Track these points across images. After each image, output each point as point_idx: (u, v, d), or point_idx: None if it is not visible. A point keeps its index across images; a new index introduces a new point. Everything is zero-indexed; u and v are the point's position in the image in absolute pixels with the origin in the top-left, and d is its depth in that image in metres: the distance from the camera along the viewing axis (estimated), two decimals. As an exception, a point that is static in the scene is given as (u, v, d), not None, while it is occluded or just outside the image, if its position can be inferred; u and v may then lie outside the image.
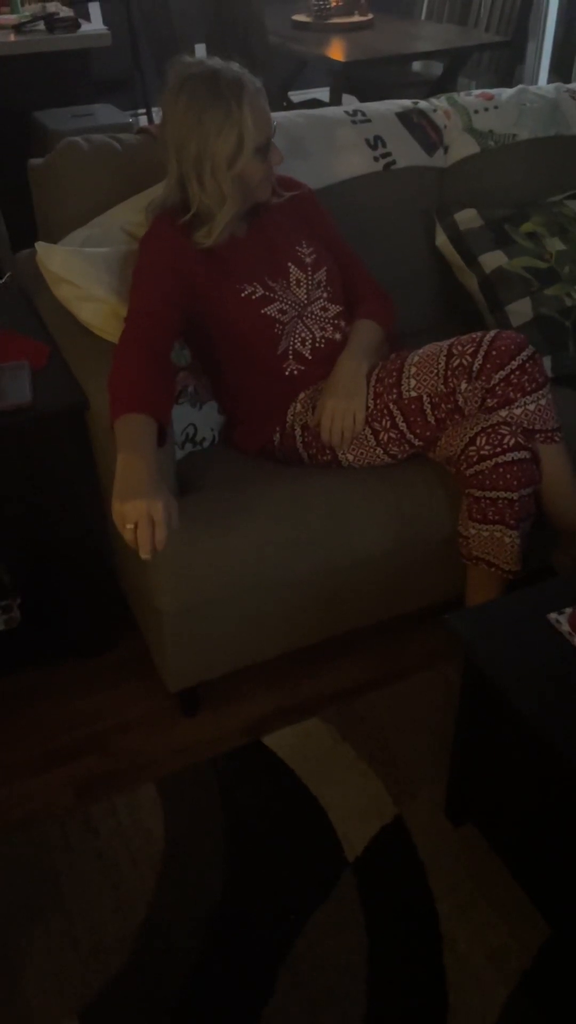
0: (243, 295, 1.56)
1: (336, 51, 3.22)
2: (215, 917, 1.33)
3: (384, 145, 1.90)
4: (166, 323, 1.48)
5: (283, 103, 3.73)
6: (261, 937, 1.30)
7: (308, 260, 1.65)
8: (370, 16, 3.49)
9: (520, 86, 2.09)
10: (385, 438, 1.58)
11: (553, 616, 1.23)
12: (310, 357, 1.63)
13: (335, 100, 3.38)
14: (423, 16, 3.84)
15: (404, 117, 1.94)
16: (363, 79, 3.45)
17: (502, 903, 1.33)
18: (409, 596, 1.72)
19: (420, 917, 1.32)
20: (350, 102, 3.01)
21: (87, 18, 3.57)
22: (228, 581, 1.48)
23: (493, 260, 1.88)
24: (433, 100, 2.02)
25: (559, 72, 4.22)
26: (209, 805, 1.48)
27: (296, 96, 3.98)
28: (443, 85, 3.40)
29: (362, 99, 3.29)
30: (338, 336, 1.65)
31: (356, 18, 3.47)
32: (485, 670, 1.19)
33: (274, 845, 1.42)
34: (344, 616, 1.67)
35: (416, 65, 3.95)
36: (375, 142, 1.89)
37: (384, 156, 1.90)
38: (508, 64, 3.54)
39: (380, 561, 1.60)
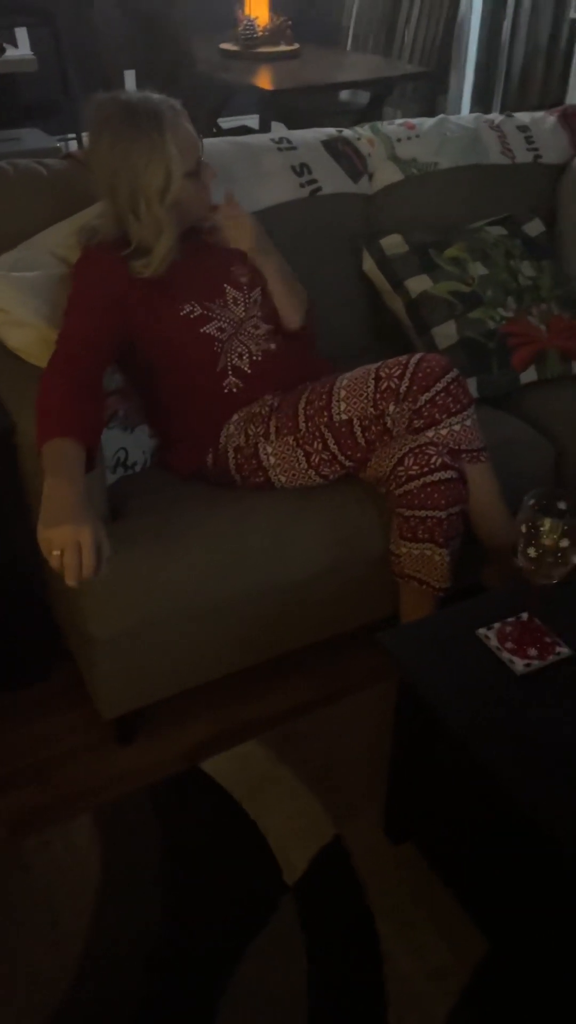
0: (182, 314, 1.57)
1: (264, 80, 3.27)
2: (154, 948, 1.30)
3: (310, 172, 1.93)
4: (98, 348, 1.48)
5: (212, 129, 3.76)
6: (201, 966, 1.28)
7: (243, 280, 1.67)
8: (296, 46, 3.56)
9: (441, 116, 2.16)
10: (317, 460, 1.59)
11: (482, 631, 1.26)
12: (249, 371, 1.64)
13: (264, 127, 3.43)
14: (349, 47, 3.93)
15: (329, 145, 1.98)
16: (292, 107, 3.51)
17: (442, 920, 1.33)
18: (347, 615, 1.73)
19: (360, 938, 1.31)
20: (279, 129, 3.06)
21: (14, 43, 3.55)
22: (162, 606, 1.47)
23: (419, 284, 1.93)
24: (357, 129, 2.06)
25: (480, 102, 4.36)
26: (147, 834, 1.46)
27: (226, 122, 4.03)
28: (369, 114, 3.48)
29: (291, 126, 3.35)
30: (272, 346, 1.67)
31: (283, 48, 3.53)
32: (416, 687, 1.21)
33: (213, 872, 1.41)
34: (282, 638, 1.68)
35: (343, 94, 4.04)
36: (301, 169, 1.92)
37: (310, 183, 1.93)
38: (431, 94, 3.65)
39: (316, 581, 1.61)
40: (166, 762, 1.60)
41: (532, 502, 1.14)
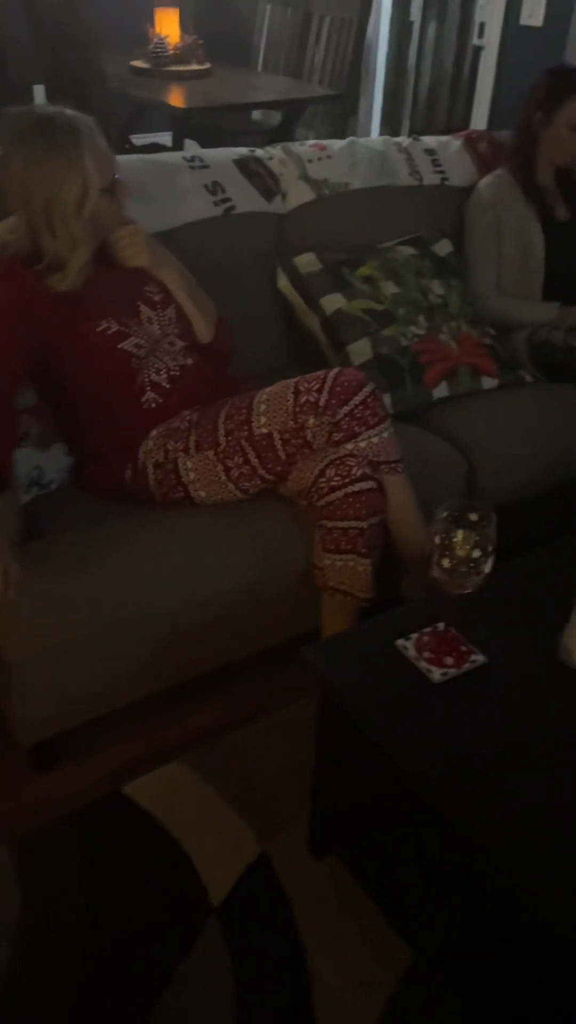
0: (98, 330, 1.55)
1: (176, 98, 3.28)
2: (79, 981, 1.27)
3: (223, 191, 1.94)
4: (9, 368, 1.46)
5: (124, 146, 3.75)
6: (128, 995, 1.25)
7: (156, 298, 1.66)
8: (208, 65, 3.58)
9: (351, 138, 2.21)
10: (237, 474, 1.59)
11: (401, 642, 1.28)
12: (168, 386, 1.63)
13: (178, 145, 3.44)
14: (260, 67, 3.98)
15: (241, 164, 2.00)
16: (205, 125, 3.52)
17: (367, 931, 1.34)
18: (272, 630, 1.73)
19: (287, 954, 1.31)
20: (192, 147, 3.07)
21: None
22: (79, 626, 1.44)
23: (333, 302, 1.96)
24: (269, 149, 2.09)
25: (389, 124, 4.47)
26: (68, 863, 1.42)
27: (139, 139, 4.02)
28: (281, 134, 3.52)
29: (204, 145, 3.36)
30: (190, 361, 1.67)
31: (194, 66, 3.55)
32: (337, 699, 1.22)
33: (137, 899, 1.38)
34: (206, 655, 1.66)
35: (256, 114, 4.08)
36: (214, 188, 1.93)
37: (224, 201, 1.94)
38: (342, 116, 3.72)
39: (239, 597, 1.60)
40: (89, 788, 1.56)
41: (445, 514, 1.16)
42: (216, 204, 1.93)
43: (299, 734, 1.65)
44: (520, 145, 2.17)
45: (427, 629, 1.29)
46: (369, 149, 2.17)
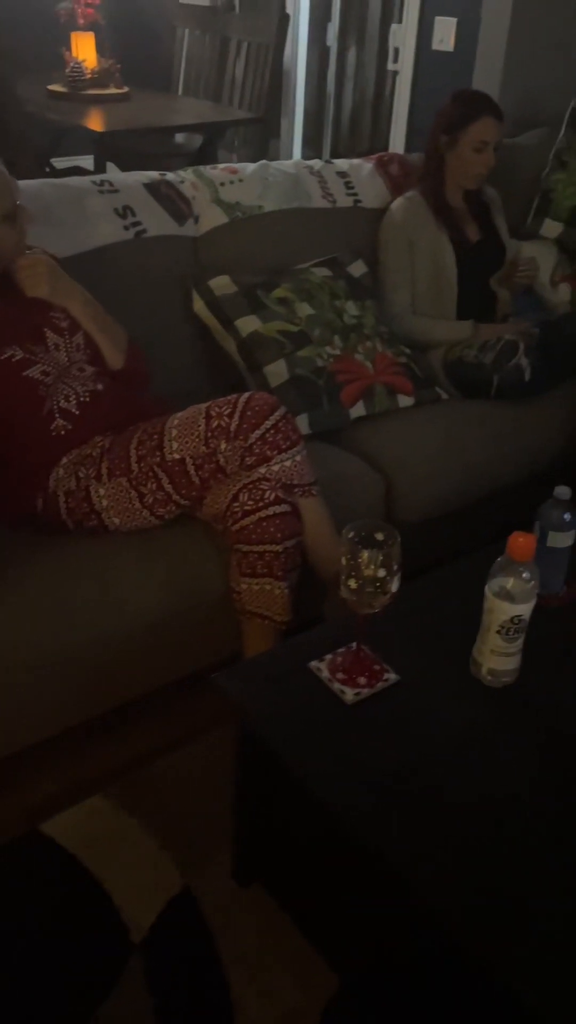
0: (2, 358, 1.52)
1: (94, 121, 3.27)
2: (-8, 1032, 1.22)
3: (134, 215, 1.94)
4: None
5: (45, 170, 3.72)
6: (44, 1044, 1.21)
7: (63, 324, 1.64)
8: (126, 89, 3.58)
9: (262, 161, 2.22)
10: (151, 500, 1.58)
11: (314, 664, 1.27)
12: (77, 412, 1.61)
13: (100, 168, 3.42)
14: (180, 91, 4.00)
15: (152, 188, 1.99)
16: (127, 149, 3.52)
17: (291, 960, 1.32)
18: (190, 658, 1.71)
19: (211, 989, 1.28)
20: (113, 170, 3.05)
21: None
22: (-12, 662, 1.40)
23: (248, 324, 1.96)
24: (180, 172, 2.09)
25: (311, 146, 4.53)
26: (-17, 907, 1.38)
27: (60, 163, 3.99)
28: (202, 157, 3.54)
29: (125, 168, 3.35)
30: (100, 387, 1.65)
31: (112, 90, 3.55)
32: (252, 725, 1.21)
33: (55, 941, 1.34)
34: (123, 686, 1.63)
35: (179, 137, 4.10)
36: (124, 211, 1.92)
37: (134, 225, 1.93)
38: (263, 139, 3.76)
39: (155, 625, 1.58)
40: (4, 827, 1.51)
41: (351, 535, 1.17)
42: (127, 228, 1.92)
43: (223, 761, 1.62)
44: (428, 167, 2.22)
45: (340, 650, 1.29)
46: (281, 172, 2.19)
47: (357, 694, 1.22)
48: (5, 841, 1.48)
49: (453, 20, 3.17)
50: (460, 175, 2.19)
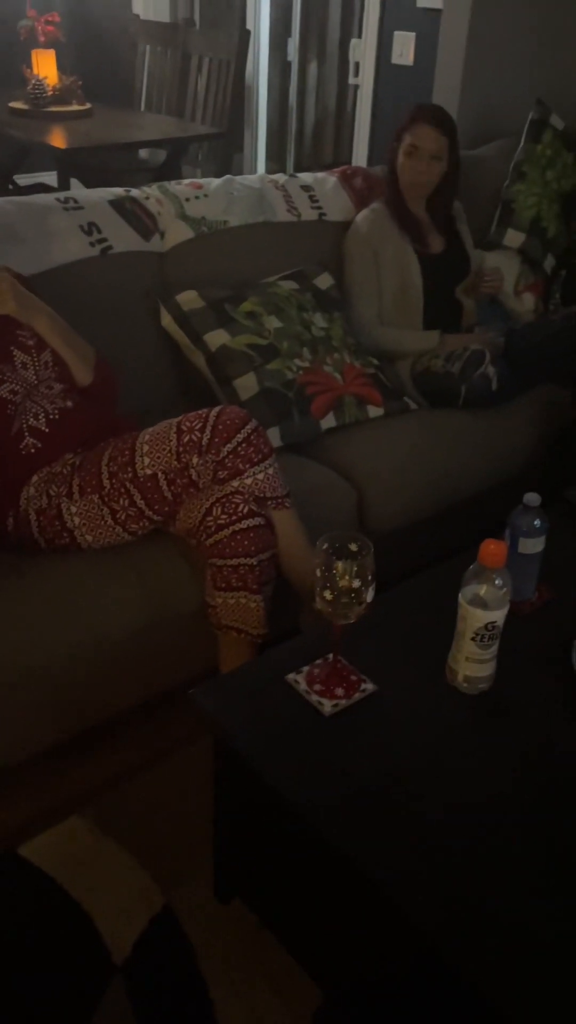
0: None
1: (57, 139, 3.26)
2: (-28, 1062, 1.20)
3: (99, 231, 1.93)
4: None
5: (8, 187, 3.71)
6: (26, 1072, 1.19)
7: (31, 343, 1.63)
8: (88, 106, 3.58)
9: (227, 176, 2.23)
10: (123, 516, 1.57)
11: (291, 676, 1.27)
12: (47, 430, 1.60)
13: (63, 185, 3.42)
14: (143, 108, 4.01)
15: (117, 204, 1.99)
16: (91, 165, 3.52)
17: (275, 976, 1.31)
18: (166, 674, 1.70)
19: (194, 1009, 1.27)
20: (77, 187, 3.05)
21: None
22: (-39, 685, 1.38)
23: (217, 338, 1.96)
24: (145, 188, 2.09)
25: (275, 159, 4.56)
26: (-39, 935, 1.35)
27: (24, 180, 3.98)
28: (166, 172, 3.55)
29: (89, 185, 3.35)
30: (70, 404, 1.64)
31: (74, 107, 3.54)
32: (229, 740, 1.20)
33: (36, 965, 1.32)
34: (98, 705, 1.62)
35: (143, 153, 4.10)
36: (89, 228, 1.92)
37: (100, 242, 1.93)
38: (226, 153, 3.77)
39: (130, 642, 1.57)
40: (-20, 852, 1.49)
41: (325, 546, 1.17)
42: (92, 244, 1.92)
43: (201, 778, 1.61)
44: (388, 179, 2.24)
45: (317, 661, 1.29)
46: (246, 187, 2.20)
47: (335, 705, 1.22)
48: (-18, 866, 1.46)
49: (412, 35, 3.22)
50: (403, 184, 2.22)
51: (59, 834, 1.51)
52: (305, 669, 1.28)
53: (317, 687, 1.25)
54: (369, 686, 1.26)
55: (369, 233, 2.22)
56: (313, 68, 4.58)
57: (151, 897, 1.42)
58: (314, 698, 1.23)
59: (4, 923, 1.38)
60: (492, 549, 1.17)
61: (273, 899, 1.35)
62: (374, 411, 2.04)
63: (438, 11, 2.91)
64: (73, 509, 1.57)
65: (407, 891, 1.00)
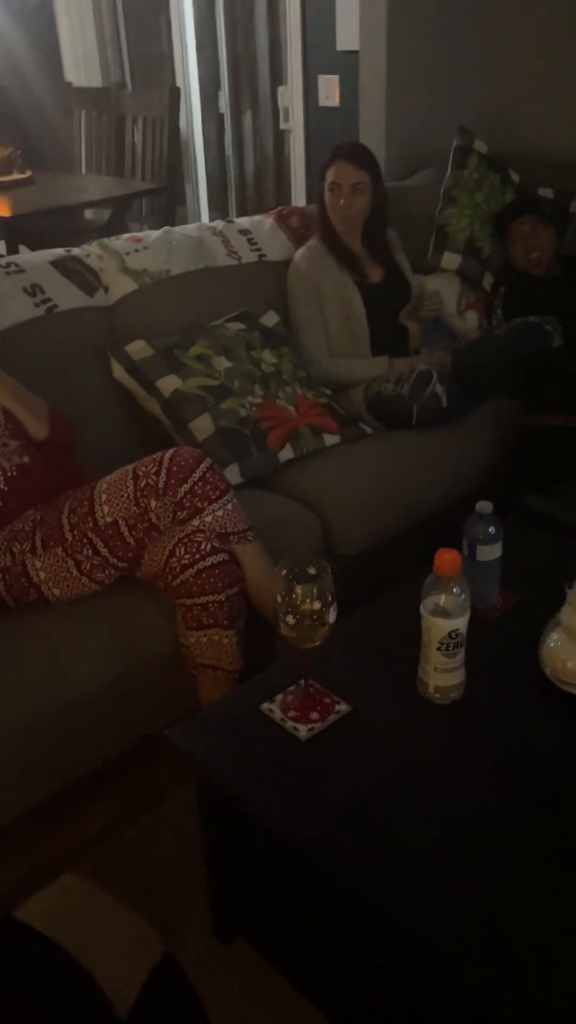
0: None
1: (1, 207, 3.33)
2: None
3: (43, 292, 1.97)
4: None
5: (-43, 258, 3.75)
6: None
7: (-18, 403, 1.65)
8: (29, 173, 3.66)
9: (165, 228, 2.29)
10: (88, 566, 1.58)
11: (266, 705, 1.28)
12: (6, 488, 1.62)
13: (12, 252, 3.48)
14: (83, 170, 4.10)
15: (59, 264, 2.04)
16: (37, 230, 3.58)
17: (283, 1012, 1.30)
18: (149, 717, 1.69)
19: (204, 1054, 1.26)
20: (25, 252, 3.09)
21: None
22: None
23: (169, 384, 2.00)
24: (85, 247, 2.14)
25: (217, 208, 4.66)
26: (-40, 1006, 1.33)
27: (-29, 250, 4.03)
28: (112, 229, 3.62)
29: (37, 248, 3.41)
30: (26, 459, 1.66)
31: (15, 176, 3.62)
32: (209, 776, 1.21)
33: (39, 1028, 1.30)
34: (80, 758, 1.60)
35: (88, 213, 4.19)
36: (33, 290, 1.96)
37: (44, 302, 1.97)
38: (169, 206, 3.86)
39: (107, 693, 1.56)
40: (-25, 919, 1.47)
41: (284, 572, 1.19)
42: (37, 305, 1.95)
43: (190, 821, 1.60)
44: (320, 217, 2.31)
45: (290, 688, 1.30)
46: (184, 236, 2.25)
47: (311, 729, 1.23)
48: (-23, 934, 1.44)
49: (335, 77, 3.33)
50: (333, 220, 2.28)
51: (53, 892, 1.50)
52: (279, 697, 1.29)
53: (292, 713, 1.26)
54: (343, 707, 1.27)
55: (309, 270, 2.28)
56: (247, 118, 4.71)
57: (151, 946, 1.41)
58: (289, 724, 1.24)
59: (5, 990, 1.35)
60: (446, 559, 1.19)
61: (274, 934, 1.35)
62: (330, 439, 2.08)
63: (357, 52, 3.01)
64: (38, 564, 1.58)
65: (401, 910, 0.99)
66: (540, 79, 2.84)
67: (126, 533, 1.57)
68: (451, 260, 2.60)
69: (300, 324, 2.28)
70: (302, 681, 1.29)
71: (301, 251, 2.32)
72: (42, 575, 1.58)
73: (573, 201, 2.67)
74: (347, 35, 3.17)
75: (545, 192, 2.70)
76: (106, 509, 1.57)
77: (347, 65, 3.20)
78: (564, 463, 1.98)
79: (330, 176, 2.23)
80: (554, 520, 1.68)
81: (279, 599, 1.18)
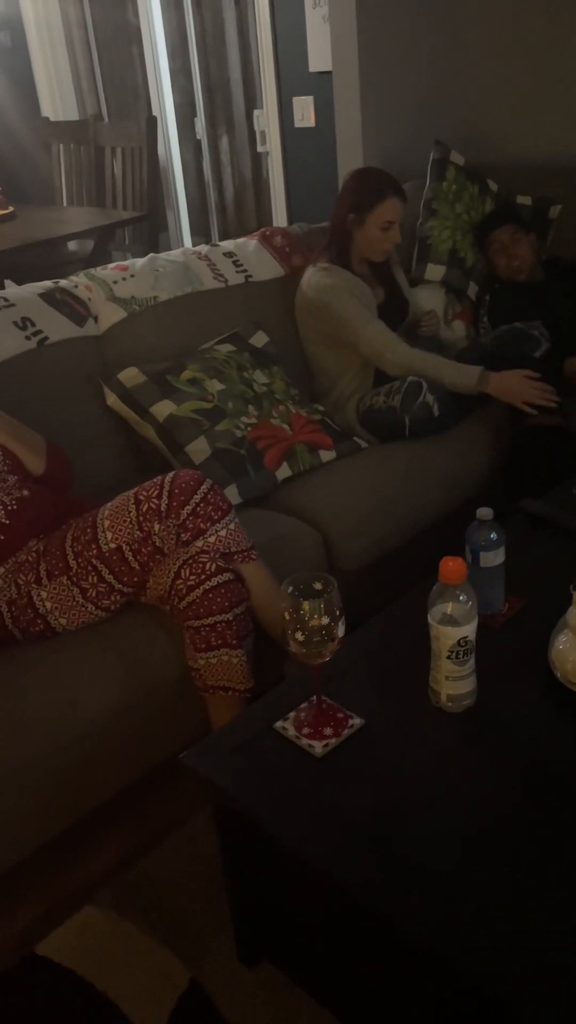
0: None
1: (-16, 244, 3.35)
2: None
3: (33, 325, 1.98)
4: None
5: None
6: None
7: (-24, 439, 1.66)
8: (11, 209, 3.69)
9: (151, 255, 2.30)
10: (94, 593, 1.58)
11: (279, 724, 1.28)
12: (7, 521, 1.61)
13: (-3, 287, 3.50)
14: (64, 203, 4.14)
15: (47, 297, 2.05)
16: (22, 264, 3.61)
17: (313, 1031, 1.29)
18: (161, 743, 1.68)
19: (236, 1081, 1.24)
20: (11, 287, 3.11)
21: None
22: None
23: (163, 409, 2.01)
24: (72, 278, 2.16)
25: (200, 233, 4.69)
26: (-13, 1047, 1.32)
27: (-43, 287, 4.05)
28: (96, 260, 3.65)
29: (22, 282, 3.43)
30: (26, 492, 1.66)
31: (-2, 212, 3.65)
32: (226, 799, 1.20)
33: (68, 1064, 1.28)
34: (92, 790, 1.59)
35: (72, 245, 4.22)
36: (23, 323, 1.97)
37: (36, 334, 1.98)
38: (152, 234, 3.89)
39: (116, 720, 1.55)
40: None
41: (291, 589, 1.19)
42: (28, 338, 1.96)
43: (209, 845, 1.60)
44: (335, 241, 2.28)
45: (302, 705, 1.30)
46: (170, 262, 2.27)
47: (325, 746, 1.23)
48: (2, 969, 1.43)
49: (310, 98, 3.38)
50: (368, 250, 2.27)
51: (75, 926, 1.49)
52: (291, 715, 1.29)
53: (306, 730, 1.25)
54: (357, 721, 1.27)
55: (335, 280, 2.23)
56: (224, 142, 4.76)
57: (176, 975, 1.39)
58: (304, 742, 1.24)
59: (30, 1028, 1.34)
60: (451, 566, 1.19)
61: (300, 955, 1.33)
62: (326, 455, 2.09)
63: (330, 72, 3.06)
64: (44, 594, 1.58)
65: (425, 927, 0.98)
66: (512, 90, 2.88)
67: (130, 558, 1.57)
68: (435, 271, 2.63)
69: (354, 324, 2.19)
70: (314, 698, 1.29)
71: (315, 273, 2.26)
72: (48, 605, 1.58)
73: (552, 207, 2.70)
74: (319, 56, 3.23)
75: (524, 199, 2.74)
76: (109, 535, 1.58)
77: (321, 85, 3.25)
78: (558, 463, 1.99)
79: (384, 213, 2.21)
80: (554, 523, 1.69)
81: (287, 616, 1.18)
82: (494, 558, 1.39)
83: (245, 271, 2.38)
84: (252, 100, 4.30)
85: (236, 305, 2.31)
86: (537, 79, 2.82)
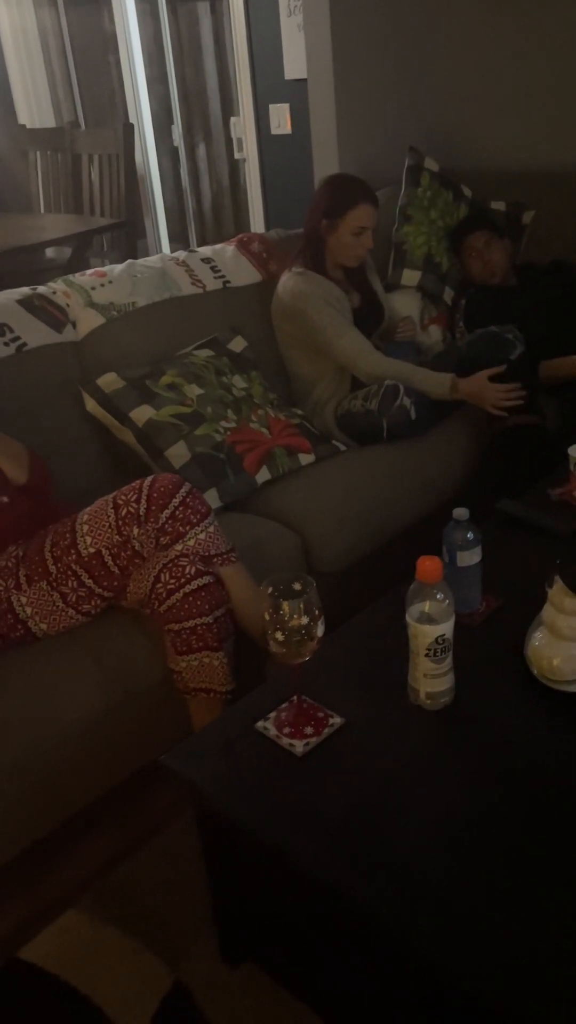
0: None
1: (-38, 251, 3.35)
2: None
3: (11, 331, 1.98)
4: None
5: None
6: None
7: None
8: (-11, 216, 3.69)
9: (128, 261, 2.31)
10: (74, 598, 1.59)
11: (260, 724, 1.29)
12: None
13: (-26, 294, 3.49)
14: (42, 210, 4.14)
15: (25, 303, 2.05)
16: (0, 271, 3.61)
17: (296, 1030, 1.30)
18: (143, 746, 1.68)
19: (221, 1081, 1.25)
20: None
21: None
22: None
23: (142, 414, 2.01)
24: (51, 284, 2.16)
25: (178, 240, 4.71)
26: (-30, 1054, 1.31)
27: None
28: (74, 267, 3.65)
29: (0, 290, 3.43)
30: (5, 499, 1.66)
31: (-25, 219, 3.65)
32: (207, 800, 1.21)
33: (52, 1069, 1.28)
34: (74, 795, 1.60)
35: (50, 252, 4.22)
36: (1, 330, 1.97)
37: (13, 340, 1.98)
38: (129, 241, 3.90)
39: (98, 726, 1.56)
40: (-21, 964, 1.45)
41: (270, 589, 1.20)
42: (6, 344, 1.97)
43: (189, 847, 1.60)
44: (309, 247, 2.30)
45: (283, 705, 1.31)
46: (148, 268, 2.28)
47: (306, 745, 1.24)
48: (-18, 978, 1.42)
49: (286, 105, 3.40)
50: (341, 256, 2.29)
51: (57, 930, 1.48)
52: (272, 715, 1.30)
53: (287, 730, 1.26)
54: (337, 720, 1.28)
55: (309, 286, 2.24)
56: (201, 149, 4.78)
57: (159, 977, 1.40)
58: (285, 741, 1.25)
59: (13, 1033, 1.34)
60: (427, 565, 1.21)
61: (283, 955, 1.34)
62: (305, 458, 2.10)
63: (306, 80, 3.08)
64: (23, 600, 1.58)
65: (406, 925, 0.99)
66: (485, 97, 2.92)
67: (110, 562, 1.58)
68: (411, 276, 2.65)
69: (327, 333, 2.21)
70: (294, 697, 1.30)
71: (291, 278, 2.28)
72: (28, 610, 1.58)
73: (525, 212, 2.74)
74: (294, 64, 3.25)
75: (497, 205, 2.77)
76: (88, 540, 1.58)
77: (296, 93, 3.27)
78: (532, 461, 2.01)
79: (356, 219, 2.23)
80: (530, 523, 1.71)
81: (267, 616, 1.19)
82: (471, 557, 1.41)
83: (223, 277, 2.39)
84: (229, 107, 4.32)
85: (214, 310, 2.33)
86: (510, 86, 2.86)
